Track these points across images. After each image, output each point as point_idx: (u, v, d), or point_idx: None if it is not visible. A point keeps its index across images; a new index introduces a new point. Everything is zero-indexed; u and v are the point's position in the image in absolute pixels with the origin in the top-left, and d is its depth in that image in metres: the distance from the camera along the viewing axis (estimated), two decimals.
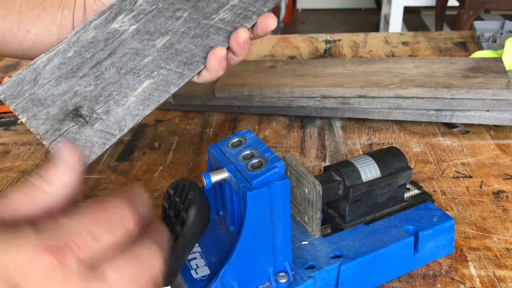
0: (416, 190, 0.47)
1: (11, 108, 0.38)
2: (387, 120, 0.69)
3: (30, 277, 0.24)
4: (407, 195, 0.46)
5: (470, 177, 0.56)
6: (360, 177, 0.42)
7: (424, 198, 0.46)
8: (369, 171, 0.42)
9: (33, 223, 0.25)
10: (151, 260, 0.28)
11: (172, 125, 0.72)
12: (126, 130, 0.38)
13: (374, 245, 0.41)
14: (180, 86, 0.41)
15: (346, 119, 0.70)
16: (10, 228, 0.25)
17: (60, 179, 0.27)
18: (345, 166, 0.42)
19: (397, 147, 0.52)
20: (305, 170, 0.40)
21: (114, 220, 0.26)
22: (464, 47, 0.94)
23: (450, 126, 0.67)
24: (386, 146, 0.63)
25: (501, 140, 0.63)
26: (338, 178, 0.42)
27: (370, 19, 3.72)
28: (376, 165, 0.43)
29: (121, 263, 0.26)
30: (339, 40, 1.01)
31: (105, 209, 0.26)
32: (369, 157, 0.44)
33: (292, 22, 3.46)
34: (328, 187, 0.41)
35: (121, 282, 0.26)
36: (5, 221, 0.26)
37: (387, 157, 0.44)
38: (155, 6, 0.41)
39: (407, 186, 0.46)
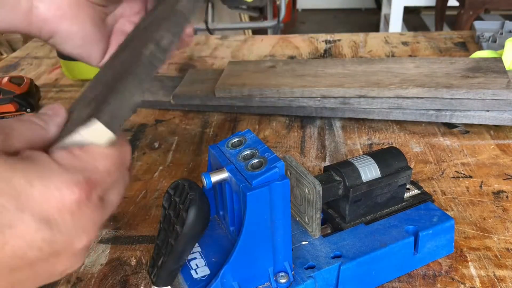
0: (416, 190, 0.47)
1: None
2: (387, 120, 0.69)
3: (62, 212, 0.25)
4: (407, 195, 0.46)
5: (470, 177, 0.56)
6: (360, 177, 0.42)
7: (424, 198, 0.46)
8: (369, 171, 0.42)
9: (52, 156, 0.27)
10: (128, 183, 0.32)
11: (172, 125, 0.72)
12: None
13: (374, 245, 0.41)
14: None
15: (346, 119, 0.70)
16: (26, 158, 0.26)
17: (54, 120, 0.30)
18: (345, 166, 0.42)
19: (397, 147, 0.52)
20: (305, 170, 0.40)
21: (123, 159, 0.30)
22: (464, 47, 0.94)
23: (450, 126, 0.67)
24: (386, 146, 0.63)
25: (501, 140, 0.63)
26: (338, 178, 0.42)
27: (370, 19, 3.73)
28: (376, 165, 0.43)
29: (116, 190, 0.30)
30: (339, 40, 1.01)
31: (116, 154, 0.29)
32: (369, 157, 0.44)
33: (292, 22, 3.46)
34: (328, 187, 0.41)
35: (115, 201, 0.30)
36: (16, 150, 0.27)
37: (387, 157, 0.44)
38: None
39: (407, 186, 0.46)
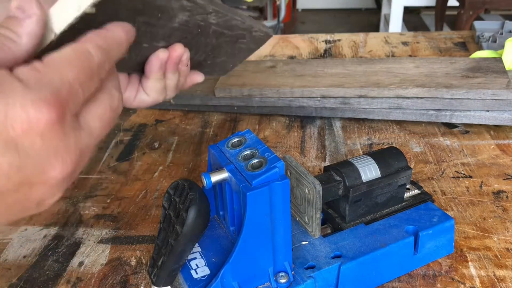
0: (416, 190, 0.47)
1: None
2: (387, 120, 0.69)
3: (30, 134, 0.23)
4: (407, 195, 0.46)
5: (470, 177, 0.56)
6: (360, 177, 0.42)
7: (424, 198, 0.46)
8: (369, 171, 0.42)
9: (12, 72, 0.23)
10: (118, 104, 0.29)
11: (172, 125, 0.72)
12: None
13: (374, 245, 0.41)
14: None
15: (346, 119, 0.70)
16: None
17: (25, 28, 0.26)
18: (345, 166, 0.42)
19: (397, 147, 0.52)
20: (305, 170, 0.40)
21: (95, 70, 0.26)
22: (464, 47, 0.94)
23: (450, 126, 0.67)
24: (386, 146, 0.63)
25: (501, 140, 0.63)
26: (338, 178, 0.42)
27: (370, 19, 3.72)
28: (376, 165, 0.43)
29: (99, 110, 0.27)
30: (339, 40, 1.01)
31: (86, 58, 0.26)
32: (369, 157, 0.44)
33: (292, 22, 3.46)
34: (328, 187, 0.41)
35: (101, 127, 0.27)
36: None
37: (387, 157, 0.44)
38: None
39: (407, 186, 0.46)
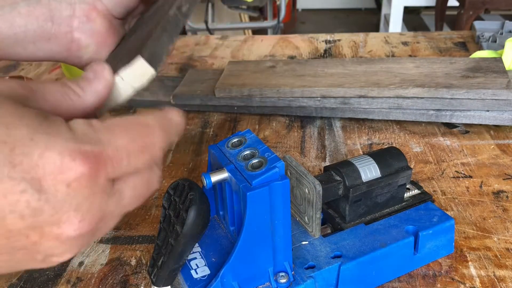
0: (416, 190, 0.47)
1: None
2: (387, 120, 0.69)
3: (57, 180, 0.22)
4: (407, 195, 0.46)
5: (470, 177, 0.56)
6: (360, 177, 0.42)
7: (424, 198, 0.46)
8: (369, 171, 0.42)
9: (68, 123, 0.24)
10: (156, 183, 0.28)
11: None
12: None
13: (374, 245, 0.41)
14: None
15: (346, 119, 0.70)
16: (44, 119, 0.23)
17: (92, 87, 0.28)
18: (345, 166, 0.42)
19: (397, 147, 0.52)
20: (305, 170, 0.40)
21: (149, 146, 0.26)
22: (464, 47, 0.94)
23: (450, 126, 0.67)
24: (386, 146, 0.63)
25: (501, 140, 0.63)
26: (338, 178, 0.42)
27: (370, 19, 3.73)
28: (376, 165, 0.43)
29: (137, 183, 0.26)
30: (339, 40, 1.01)
31: (143, 131, 0.26)
32: (369, 157, 0.44)
33: (292, 22, 3.46)
34: (328, 187, 0.41)
35: (132, 199, 0.26)
36: (40, 109, 0.24)
37: (387, 157, 0.44)
38: None
39: (407, 186, 0.46)
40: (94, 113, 0.29)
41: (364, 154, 0.45)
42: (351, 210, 0.43)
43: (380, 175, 0.43)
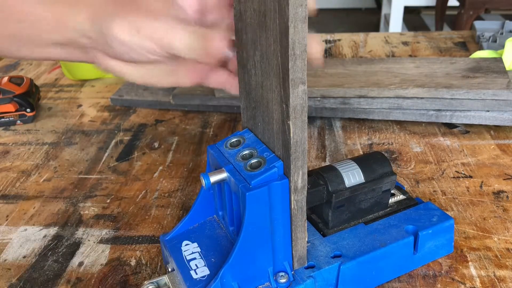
0: (401, 196, 0.46)
1: None
2: (387, 120, 0.69)
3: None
4: (392, 200, 0.46)
5: (470, 177, 0.56)
6: (343, 182, 0.41)
7: (409, 203, 0.46)
8: (353, 176, 0.42)
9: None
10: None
11: (172, 125, 0.72)
12: None
13: (374, 245, 0.41)
14: None
15: (346, 119, 0.70)
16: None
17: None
18: (328, 171, 0.42)
19: (396, 147, 0.51)
20: None
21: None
22: (464, 47, 0.94)
23: (450, 126, 0.67)
24: (386, 146, 0.63)
25: (501, 140, 0.63)
26: (321, 182, 0.41)
27: (370, 19, 3.72)
28: (360, 170, 0.42)
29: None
30: (339, 40, 1.01)
31: None
32: (352, 162, 0.43)
33: None
34: (313, 191, 0.40)
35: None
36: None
37: (371, 162, 0.43)
38: None
39: (392, 192, 0.46)
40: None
41: (348, 158, 0.44)
42: (334, 216, 0.42)
43: (363, 180, 0.42)
